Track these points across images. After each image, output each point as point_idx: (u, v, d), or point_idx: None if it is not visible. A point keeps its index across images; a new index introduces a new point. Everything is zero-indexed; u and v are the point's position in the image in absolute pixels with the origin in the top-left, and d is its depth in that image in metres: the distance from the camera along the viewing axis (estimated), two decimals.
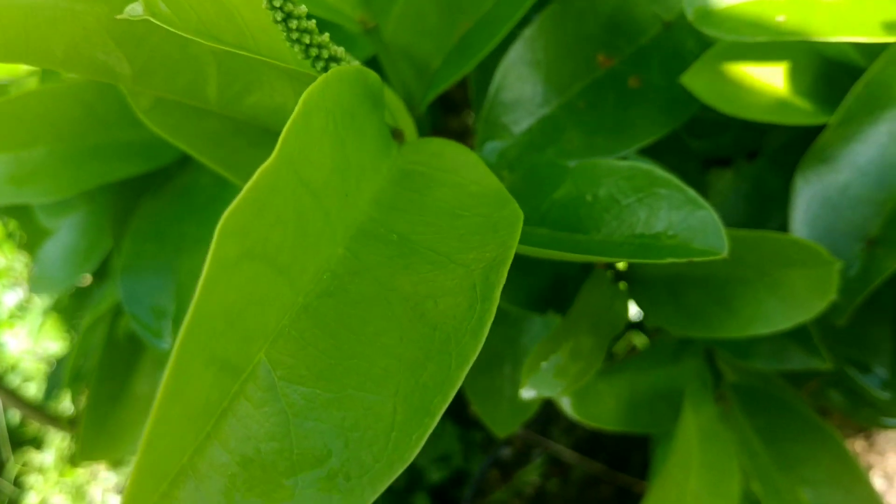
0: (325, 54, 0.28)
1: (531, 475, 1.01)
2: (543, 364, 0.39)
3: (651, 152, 0.46)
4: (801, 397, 0.51)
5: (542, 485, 0.99)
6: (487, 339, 0.21)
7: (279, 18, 0.26)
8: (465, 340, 0.21)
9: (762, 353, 0.44)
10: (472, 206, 0.26)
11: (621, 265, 0.43)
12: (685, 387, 0.46)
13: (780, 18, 0.35)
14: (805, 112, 0.41)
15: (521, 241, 0.24)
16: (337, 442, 0.19)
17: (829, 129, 0.40)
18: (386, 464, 0.19)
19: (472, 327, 0.21)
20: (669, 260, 0.29)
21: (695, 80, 0.38)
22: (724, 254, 0.33)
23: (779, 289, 0.38)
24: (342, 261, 0.23)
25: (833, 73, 0.41)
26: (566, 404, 0.43)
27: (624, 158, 0.40)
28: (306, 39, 0.26)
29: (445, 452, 1.02)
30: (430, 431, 0.19)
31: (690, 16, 0.35)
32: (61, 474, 1.39)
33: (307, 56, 0.27)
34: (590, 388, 0.44)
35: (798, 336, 0.43)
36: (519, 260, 0.25)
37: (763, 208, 0.46)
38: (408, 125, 0.35)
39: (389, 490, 0.19)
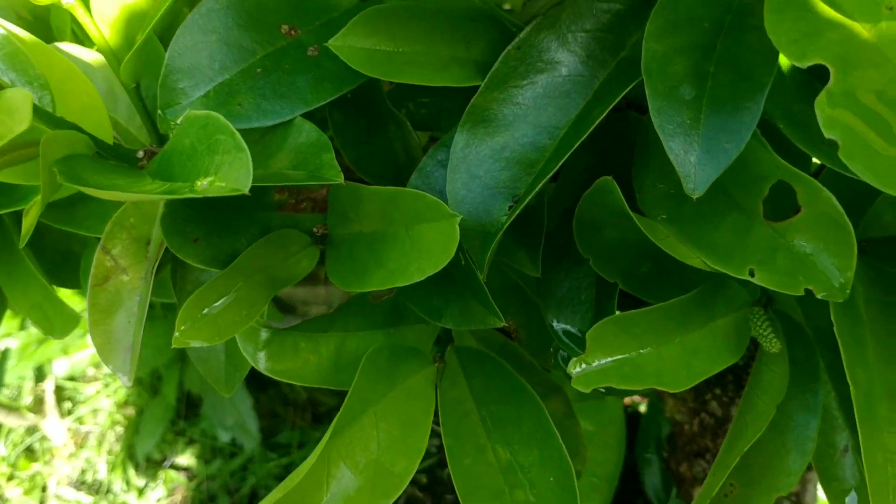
0: None
1: None
2: (205, 310, 0.42)
3: (373, 120, 0.49)
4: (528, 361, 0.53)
5: None
6: None
7: None
8: None
9: (452, 313, 0.46)
10: None
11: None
12: (403, 347, 0.49)
13: None
14: (468, 75, 0.43)
15: None
16: None
17: (481, 91, 0.42)
18: None
19: None
20: (202, 194, 0.32)
21: (341, 44, 0.41)
22: (340, 181, 0.36)
23: (418, 242, 0.41)
24: None
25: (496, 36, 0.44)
26: (260, 360, 0.46)
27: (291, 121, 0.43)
28: None
29: None
30: None
31: None
32: (16, 467, 1.45)
33: None
34: (287, 344, 0.46)
35: (478, 294, 0.45)
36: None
37: None
38: None
39: None
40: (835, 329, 0.40)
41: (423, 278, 0.40)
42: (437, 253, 0.39)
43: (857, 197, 0.49)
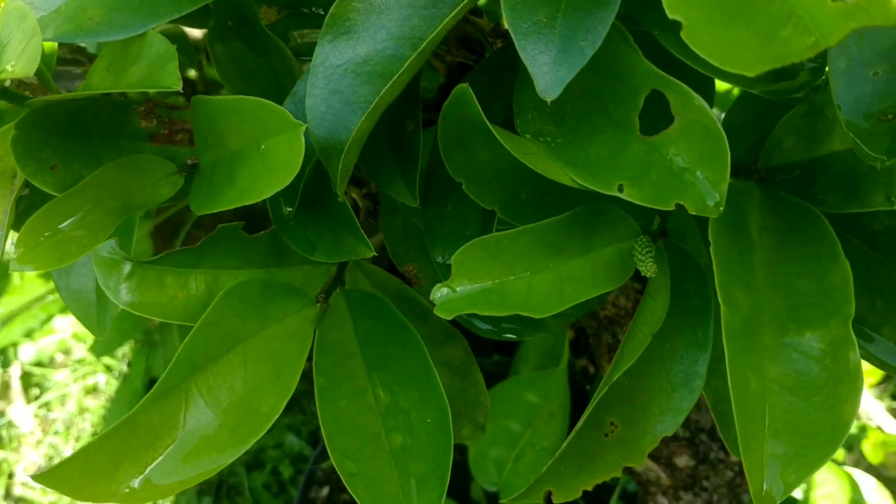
0: None
1: None
2: (47, 233, 0.39)
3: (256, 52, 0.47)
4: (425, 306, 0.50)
5: None
6: None
7: None
8: None
9: (325, 246, 0.44)
10: None
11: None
12: (280, 285, 0.46)
13: None
14: None
15: None
16: None
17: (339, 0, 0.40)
18: None
19: None
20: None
21: None
22: (178, 88, 0.34)
23: (268, 158, 0.38)
24: None
25: None
26: (122, 293, 0.43)
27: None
28: None
29: None
30: None
31: None
32: None
33: None
34: (151, 277, 0.44)
35: (349, 226, 0.43)
36: None
37: None
38: None
39: None
40: (711, 249, 0.37)
41: (271, 194, 0.38)
42: (283, 167, 0.37)
43: (761, 123, 0.47)
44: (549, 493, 0.40)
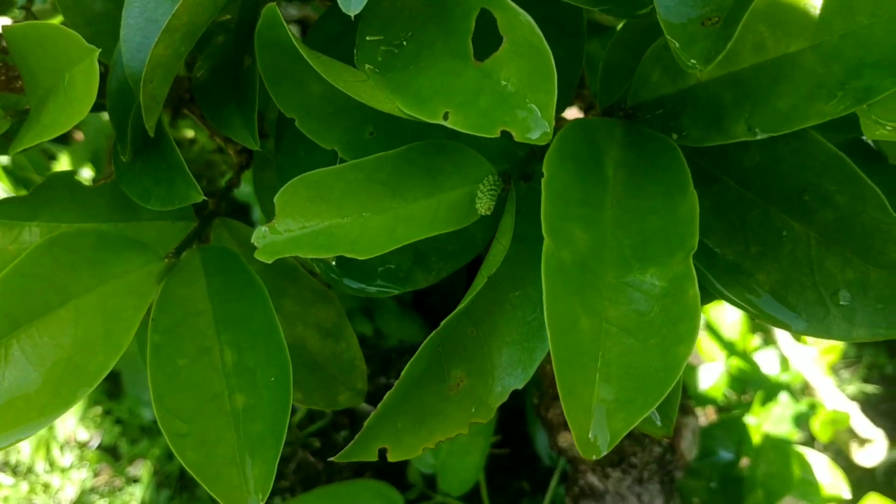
0: None
1: None
2: None
3: None
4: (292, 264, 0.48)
5: None
6: None
7: None
8: None
9: (159, 193, 0.41)
10: None
11: None
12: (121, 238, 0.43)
13: None
14: None
15: None
16: None
17: None
18: None
19: None
20: None
21: None
22: None
23: (71, 91, 0.35)
24: None
25: None
26: None
27: None
28: None
29: None
30: None
31: None
32: None
33: None
34: None
35: (178, 170, 0.40)
36: None
37: None
38: None
39: None
40: (543, 180, 0.34)
41: (72, 125, 0.35)
42: (82, 97, 0.34)
43: (635, 61, 0.44)
44: (385, 451, 0.37)
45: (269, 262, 0.36)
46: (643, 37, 0.45)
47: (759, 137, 0.37)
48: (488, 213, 0.37)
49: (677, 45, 0.30)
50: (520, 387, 0.38)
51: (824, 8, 0.33)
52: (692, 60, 0.30)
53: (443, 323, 0.36)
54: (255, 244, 0.36)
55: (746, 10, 0.29)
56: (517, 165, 0.42)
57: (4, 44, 0.43)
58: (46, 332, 0.40)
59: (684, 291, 0.33)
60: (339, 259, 0.45)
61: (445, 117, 0.34)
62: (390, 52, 0.38)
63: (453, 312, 0.36)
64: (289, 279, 0.48)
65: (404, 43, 0.38)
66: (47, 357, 0.40)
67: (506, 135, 0.33)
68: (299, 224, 0.37)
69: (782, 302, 0.39)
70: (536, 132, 0.33)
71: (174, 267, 0.44)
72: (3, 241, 0.42)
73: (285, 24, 0.34)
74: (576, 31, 0.43)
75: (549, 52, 0.33)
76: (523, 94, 0.34)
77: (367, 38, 0.39)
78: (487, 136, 0.34)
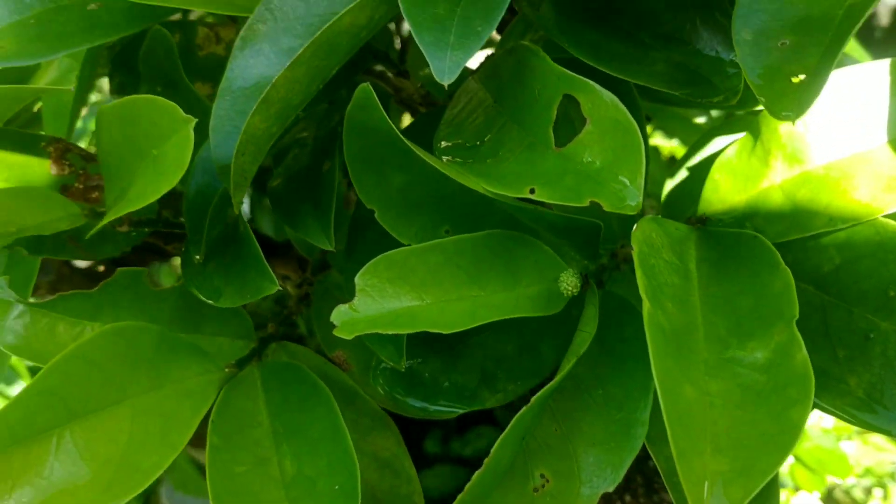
0: None
1: None
2: None
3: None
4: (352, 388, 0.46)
5: None
6: None
7: None
8: None
9: (230, 291, 0.41)
10: None
11: None
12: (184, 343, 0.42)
13: None
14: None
15: None
16: None
17: (248, 24, 0.39)
18: None
19: None
20: None
21: None
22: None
23: (160, 163, 0.36)
24: None
25: None
26: (7, 335, 0.39)
27: None
28: None
29: None
30: None
31: None
32: None
33: None
34: (42, 325, 0.40)
35: (255, 261, 0.40)
36: None
37: None
38: None
39: None
40: (634, 253, 0.34)
41: (158, 196, 0.35)
42: (173, 167, 0.35)
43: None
44: None
45: (349, 338, 0.35)
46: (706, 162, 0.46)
47: (839, 228, 0.37)
48: (575, 290, 0.36)
49: (768, 101, 0.31)
50: (610, 489, 0.35)
51: None
52: (785, 112, 0.30)
53: (524, 409, 0.34)
54: (335, 322, 0.35)
55: (831, 66, 0.30)
56: (596, 270, 0.41)
57: (90, 151, 0.44)
58: (102, 427, 0.38)
59: (791, 357, 0.31)
60: (404, 377, 0.43)
61: (531, 191, 0.35)
62: (467, 149, 0.39)
63: (536, 397, 0.34)
64: (347, 402, 0.46)
65: (477, 143, 0.40)
66: (100, 452, 0.37)
67: (595, 205, 0.34)
68: (379, 304, 0.36)
69: (878, 404, 0.37)
70: (628, 202, 0.33)
71: (233, 378, 0.43)
72: (66, 338, 0.41)
73: (380, 105, 0.35)
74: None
75: (636, 126, 0.34)
76: (611, 169, 0.34)
77: (443, 143, 0.40)
78: (575, 204, 0.34)
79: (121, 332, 0.39)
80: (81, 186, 0.44)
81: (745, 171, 0.41)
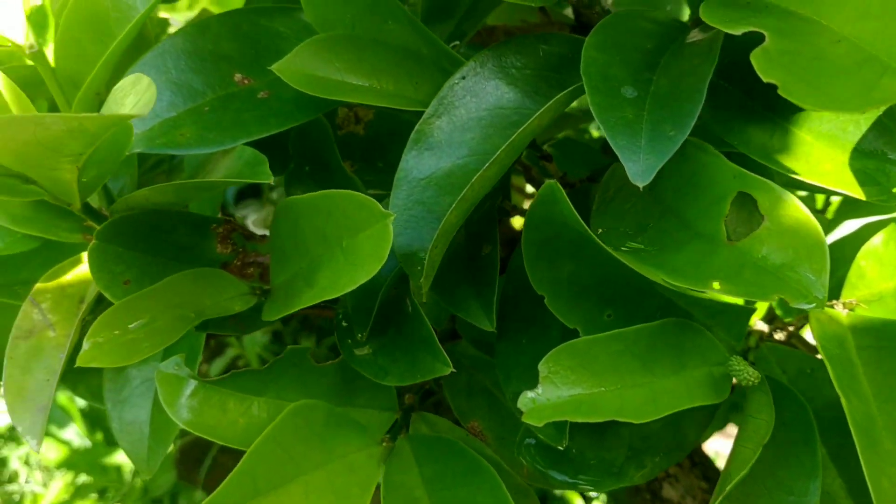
0: None
1: None
2: (116, 332, 0.38)
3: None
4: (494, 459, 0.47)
5: None
6: None
7: None
8: None
9: (398, 370, 0.42)
10: None
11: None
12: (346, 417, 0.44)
13: None
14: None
15: None
16: None
17: (425, 118, 0.41)
18: None
19: None
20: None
21: (287, 67, 0.41)
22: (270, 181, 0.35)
23: (352, 255, 0.38)
24: None
25: None
26: (181, 411, 0.41)
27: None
28: None
29: None
30: None
31: None
32: None
33: None
34: (214, 400, 0.41)
35: (427, 343, 0.41)
36: None
37: None
38: None
39: None
40: (819, 345, 0.35)
41: (353, 287, 0.37)
42: (370, 259, 0.36)
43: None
44: None
45: (540, 424, 0.36)
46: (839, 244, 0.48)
47: None
48: (755, 381, 0.38)
49: None
50: None
51: None
52: None
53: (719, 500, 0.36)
54: (522, 409, 0.37)
55: None
56: (742, 350, 0.43)
57: (251, 232, 0.46)
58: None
59: None
60: (551, 452, 0.44)
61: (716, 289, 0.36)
62: (633, 238, 0.41)
63: (729, 487, 0.35)
64: None
65: (638, 231, 0.41)
66: None
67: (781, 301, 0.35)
68: (561, 391, 0.37)
69: None
70: (815, 295, 0.34)
71: (391, 452, 0.44)
72: (235, 413, 0.42)
73: (568, 201, 0.37)
74: None
75: (819, 227, 0.35)
76: (792, 265, 0.36)
77: (606, 226, 0.42)
78: (762, 300, 0.35)
79: (298, 412, 0.40)
80: (239, 263, 0.46)
81: (892, 259, 0.42)
